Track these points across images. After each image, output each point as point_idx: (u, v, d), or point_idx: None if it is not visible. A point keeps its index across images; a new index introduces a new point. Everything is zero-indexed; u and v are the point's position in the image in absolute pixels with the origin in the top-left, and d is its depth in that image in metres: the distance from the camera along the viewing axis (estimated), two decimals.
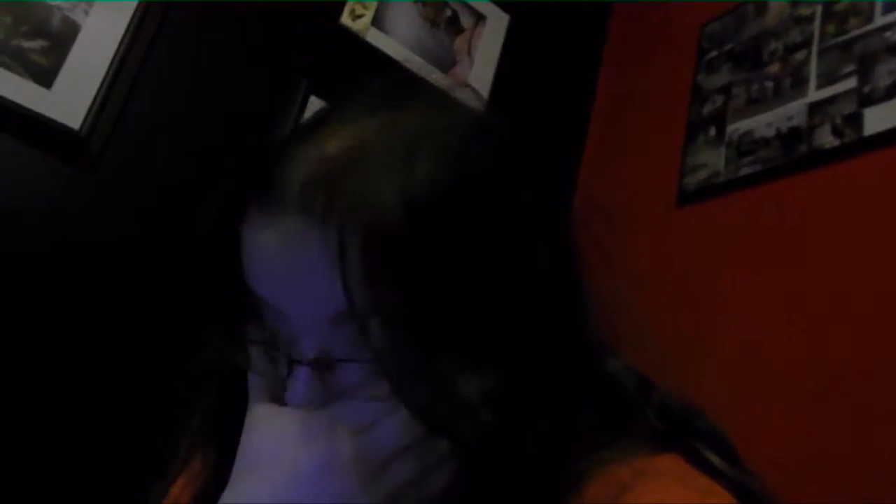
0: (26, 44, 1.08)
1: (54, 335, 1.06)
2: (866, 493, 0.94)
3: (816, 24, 1.32)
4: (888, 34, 1.19)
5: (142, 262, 1.14)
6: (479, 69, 1.58)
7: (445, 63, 1.54)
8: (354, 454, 0.41)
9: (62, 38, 1.11)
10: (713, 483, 0.44)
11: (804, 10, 1.35)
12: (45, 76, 1.08)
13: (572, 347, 0.47)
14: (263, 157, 0.44)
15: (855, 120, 1.17)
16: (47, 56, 1.09)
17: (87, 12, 1.13)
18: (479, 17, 1.61)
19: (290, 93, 1.33)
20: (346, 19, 1.41)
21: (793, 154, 1.24)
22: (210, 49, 1.27)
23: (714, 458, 0.48)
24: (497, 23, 1.63)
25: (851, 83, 1.20)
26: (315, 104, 1.34)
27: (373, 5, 1.45)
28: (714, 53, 1.50)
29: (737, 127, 1.37)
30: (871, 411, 0.99)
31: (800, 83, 1.29)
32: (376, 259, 0.38)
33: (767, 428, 1.07)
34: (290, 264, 0.41)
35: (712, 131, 1.42)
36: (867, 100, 1.17)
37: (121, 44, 1.15)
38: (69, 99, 1.09)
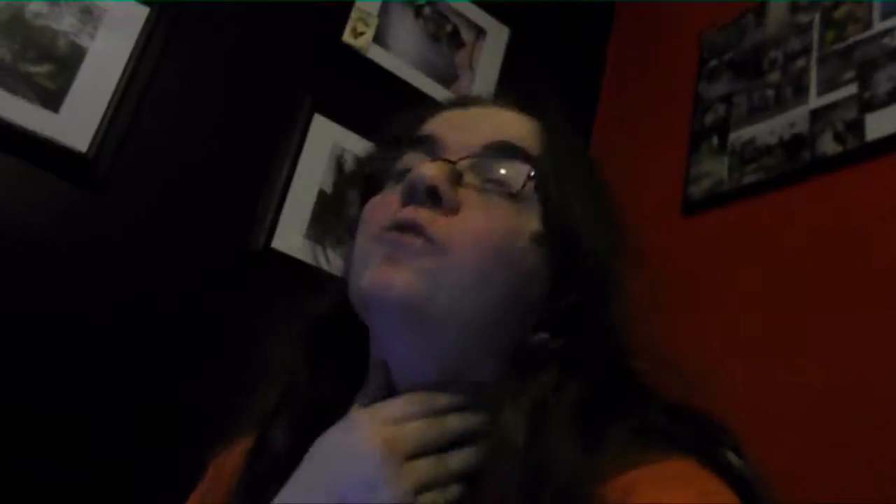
0: (33, 68, 1.09)
1: (61, 356, 1.06)
2: (864, 494, 0.94)
3: (815, 32, 1.33)
4: (886, 40, 1.20)
5: (149, 282, 1.15)
6: (480, 83, 1.59)
7: (447, 78, 1.55)
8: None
9: (69, 62, 1.12)
10: (722, 486, 0.44)
11: (803, 18, 1.36)
12: (52, 100, 1.10)
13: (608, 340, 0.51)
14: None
15: (857, 126, 1.17)
16: (54, 80, 1.11)
17: (92, 36, 1.15)
18: (480, 31, 1.62)
19: (294, 111, 1.34)
20: (348, 37, 1.43)
21: (796, 161, 1.25)
22: (214, 69, 1.29)
23: (733, 458, 0.48)
24: (497, 36, 1.64)
25: (852, 89, 1.21)
26: (319, 122, 1.35)
27: (374, 22, 1.46)
28: (714, 63, 1.51)
29: (739, 135, 1.38)
30: (880, 418, 0.98)
31: (801, 91, 1.30)
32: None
33: (777, 436, 1.07)
34: (492, 119, 0.56)
35: (715, 140, 1.42)
36: (868, 106, 1.17)
37: (126, 66, 1.16)
38: (76, 122, 1.10)
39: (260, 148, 1.31)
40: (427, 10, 1.56)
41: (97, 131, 1.12)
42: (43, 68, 1.10)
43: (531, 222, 0.51)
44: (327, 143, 1.36)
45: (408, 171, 0.52)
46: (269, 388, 0.57)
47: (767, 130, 1.32)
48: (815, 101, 1.26)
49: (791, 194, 1.25)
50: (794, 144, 1.26)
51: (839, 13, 1.30)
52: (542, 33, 1.71)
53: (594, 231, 0.52)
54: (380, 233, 0.49)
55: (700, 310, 1.30)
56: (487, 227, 0.49)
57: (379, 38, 1.47)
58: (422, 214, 0.48)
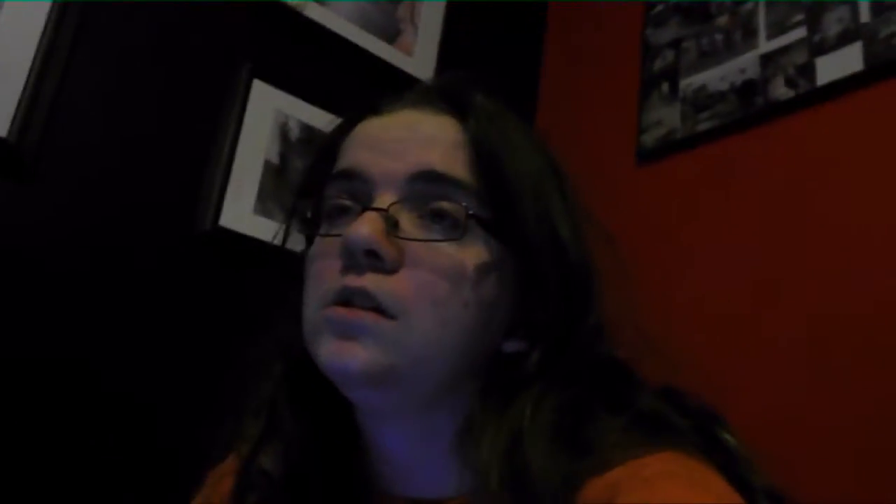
0: None
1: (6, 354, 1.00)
2: (851, 443, 0.97)
3: None
4: None
5: (92, 275, 1.08)
6: (423, 37, 1.53)
7: (390, 33, 1.48)
8: None
9: None
10: (711, 474, 0.44)
11: None
12: None
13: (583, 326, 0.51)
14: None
15: (808, 70, 1.18)
16: None
17: None
18: None
19: (232, 79, 1.26)
20: None
21: (749, 108, 1.25)
22: (144, 38, 1.19)
23: (729, 440, 0.48)
24: None
25: (801, 33, 1.21)
26: (260, 88, 1.28)
27: None
28: (661, 7, 1.49)
29: (690, 82, 1.37)
30: (846, 363, 1.01)
31: (750, 35, 1.29)
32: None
33: (744, 382, 1.09)
34: (418, 135, 0.51)
35: (665, 87, 1.41)
36: (818, 49, 1.17)
37: (41, 39, 1.05)
38: None
39: (199, 121, 1.22)
40: None
41: (16, 112, 1.03)
42: None
43: (481, 253, 0.49)
44: (270, 111, 1.29)
45: (338, 208, 0.51)
46: (251, 410, 0.55)
47: (718, 76, 1.32)
48: (764, 45, 1.26)
49: (745, 140, 1.25)
50: (746, 90, 1.26)
51: None
52: None
53: (549, 237, 0.50)
54: (327, 306, 0.47)
55: (658, 259, 1.31)
56: (437, 279, 0.47)
57: None
58: (367, 282, 0.46)
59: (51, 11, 1.07)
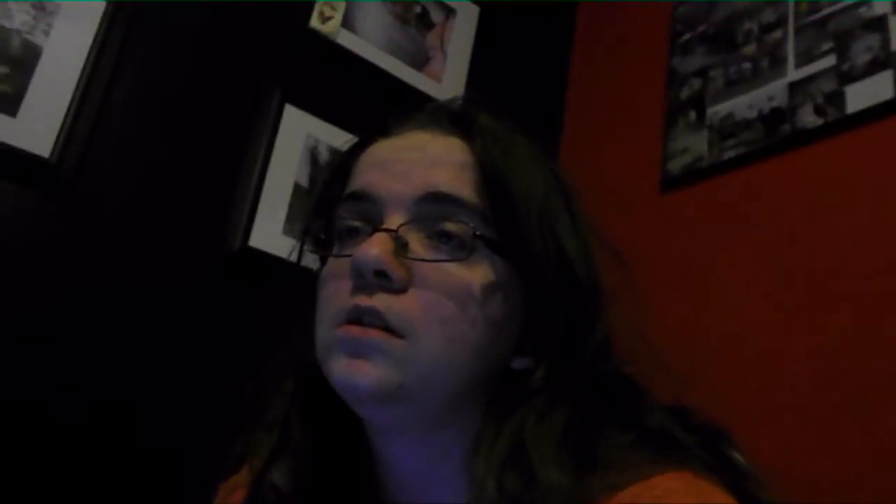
0: None
1: (35, 369, 1.02)
2: (865, 473, 0.95)
3: (790, 2, 1.32)
4: (862, 10, 1.19)
5: (123, 291, 1.10)
6: (452, 64, 1.55)
7: (419, 60, 1.51)
8: None
9: (24, 63, 1.05)
10: (719, 493, 0.44)
11: None
12: (8, 104, 1.03)
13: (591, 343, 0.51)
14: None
15: (837, 98, 1.17)
16: (9, 82, 1.04)
17: (47, 33, 1.08)
18: (450, 12, 1.58)
19: (264, 103, 1.29)
20: (315, 22, 1.37)
21: (776, 135, 1.24)
22: (179, 64, 1.23)
23: (739, 459, 0.48)
24: (467, 15, 1.60)
25: (830, 61, 1.21)
26: (291, 113, 1.31)
27: (341, 6, 1.41)
28: (687, 36, 1.50)
29: (717, 110, 1.37)
30: (869, 392, 0.99)
31: (778, 63, 1.29)
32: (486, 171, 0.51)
33: (763, 413, 1.08)
34: (426, 156, 0.52)
35: (692, 115, 1.42)
36: (847, 77, 1.17)
37: (85, 64, 1.10)
38: (36, 126, 1.04)
39: (231, 143, 1.26)
40: None
41: (59, 135, 1.06)
42: None
43: (487, 273, 0.50)
44: (300, 135, 1.32)
45: (349, 229, 0.52)
46: (264, 425, 0.56)
47: (746, 104, 1.32)
48: (793, 73, 1.26)
49: (772, 168, 1.25)
50: (774, 118, 1.26)
51: None
52: (512, 10, 1.68)
53: (556, 255, 0.51)
54: (338, 325, 0.48)
55: (683, 287, 1.30)
56: (444, 298, 0.48)
57: (347, 24, 1.42)
58: (376, 302, 0.47)
59: (93, 41, 1.11)
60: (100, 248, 1.09)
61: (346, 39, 1.41)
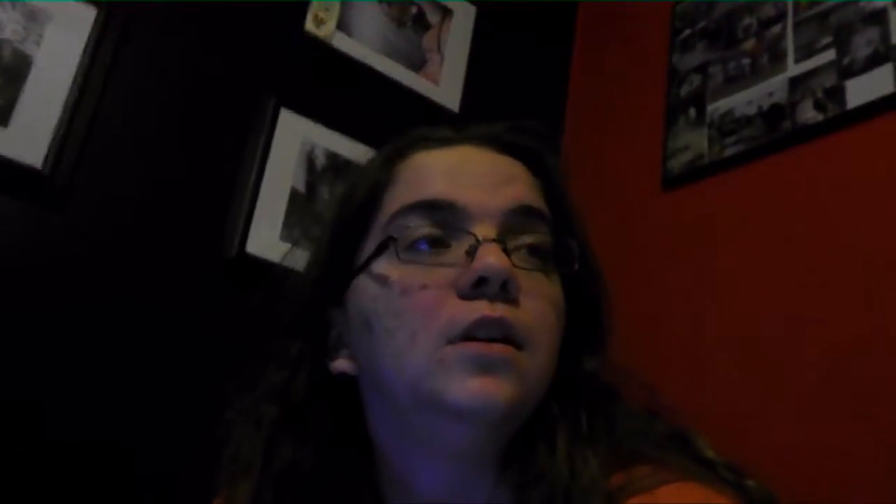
0: None
1: (37, 379, 1.01)
2: (870, 472, 0.94)
3: None
4: (863, 3, 1.17)
5: (122, 301, 1.10)
6: (450, 65, 1.54)
7: (416, 62, 1.50)
8: None
9: (15, 73, 1.05)
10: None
11: None
12: (0, 114, 1.03)
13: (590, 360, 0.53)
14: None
15: (837, 93, 1.16)
16: (0, 92, 1.04)
17: (38, 43, 1.08)
18: (446, 12, 1.57)
19: (259, 107, 1.28)
20: (310, 25, 1.37)
21: (776, 131, 1.23)
22: (172, 71, 1.22)
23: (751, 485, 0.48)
24: (464, 16, 1.59)
25: (830, 55, 1.19)
26: (286, 117, 1.30)
27: (336, 7, 1.40)
28: (687, 32, 1.48)
29: (717, 106, 1.35)
30: (875, 391, 0.98)
31: (777, 58, 1.28)
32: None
33: (768, 409, 1.06)
34: (499, 171, 0.52)
35: (692, 112, 1.40)
36: (848, 72, 1.15)
37: (77, 73, 1.09)
38: (28, 136, 1.04)
39: (226, 149, 1.25)
40: None
41: (51, 145, 1.06)
42: None
43: (558, 286, 0.52)
44: (296, 139, 1.31)
45: (428, 238, 0.49)
46: (235, 463, 0.54)
47: (745, 100, 1.30)
48: (792, 68, 1.24)
49: (773, 165, 1.23)
50: (774, 114, 1.24)
51: None
52: (510, 10, 1.67)
53: (593, 266, 0.55)
54: (455, 339, 0.46)
55: (685, 284, 1.29)
56: (547, 308, 0.49)
57: (342, 27, 1.41)
58: (503, 314, 0.47)
59: (85, 48, 1.11)
60: (95, 257, 1.09)
61: (341, 42, 1.40)
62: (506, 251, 0.48)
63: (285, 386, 0.53)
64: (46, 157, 1.05)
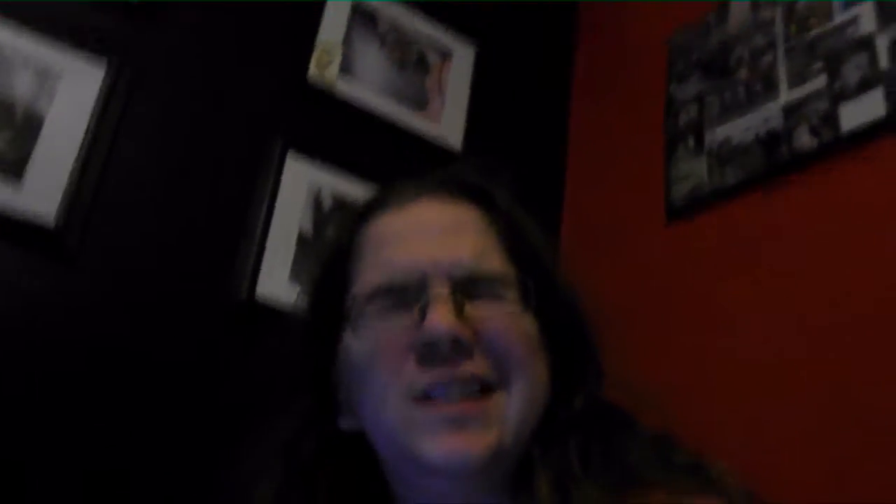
0: None
1: (43, 438, 1.02)
2: (876, 498, 0.93)
3: (779, 27, 1.33)
4: (850, 30, 1.20)
5: (134, 353, 1.11)
6: (451, 105, 1.57)
7: (418, 103, 1.53)
8: None
9: (27, 131, 1.08)
10: None
11: (765, 14, 1.37)
12: (12, 171, 1.06)
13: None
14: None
15: (831, 118, 1.18)
16: (13, 150, 1.07)
17: (50, 100, 1.11)
18: (446, 54, 1.61)
19: (266, 153, 1.31)
20: (314, 71, 1.41)
21: (775, 157, 1.24)
22: (180, 120, 1.26)
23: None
24: (464, 57, 1.63)
25: (822, 82, 1.21)
26: (293, 162, 1.33)
27: (338, 51, 1.45)
28: (682, 63, 1.51)
29: (715, 135, 1.38)
30: (878, 417, 0.97)
31: (771, 86, 1.30)
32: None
33: (771, 440, 1.06)
34: (451, 223, 0.55)
35: (691, 141, 1.42)
36: (840, 97, 1.18)
37: (87, 130, 1.12)
38: (40, 193, 1.06)
39: (234, 196, 1.28)
40: (391, 37, 1.54)
41: (62, 201, 1.08)
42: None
43: (529, 321, 0.53)
44: (303, 183, 1.34)
45: (384, 308, 0.52)
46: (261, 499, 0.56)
47: (742, 128, 1.32)
48: (786, 95, 1.27)
49: (772, 193, 1.24)
50: (771, 141, 1.26)
51: (800, 7, 1.30)
52: (508, 48, 1.71)
53: (574, 308, 0.56)
54: (416, 399, 0.49)
55: (692, 316, 1.29)
56: (518, 346, 0.51)
57: (346, 69, 1.45)
58: (463, 368, 0.49)
59: (95, 103, 1.14)
60: (106, 309, 1.10)
61: (345, 86, 1.44)
62: (459, 303, 0.50)
63: (294, 444, 0.56)
64: (58, 212, 1.07)
